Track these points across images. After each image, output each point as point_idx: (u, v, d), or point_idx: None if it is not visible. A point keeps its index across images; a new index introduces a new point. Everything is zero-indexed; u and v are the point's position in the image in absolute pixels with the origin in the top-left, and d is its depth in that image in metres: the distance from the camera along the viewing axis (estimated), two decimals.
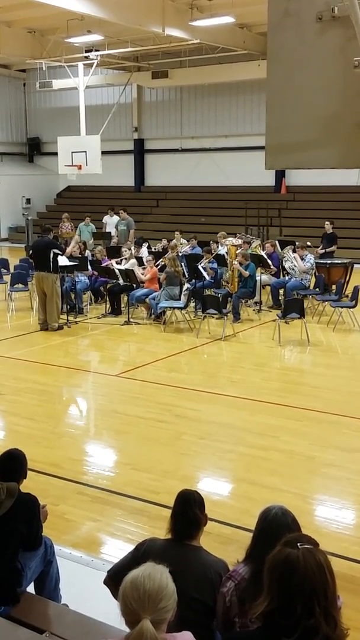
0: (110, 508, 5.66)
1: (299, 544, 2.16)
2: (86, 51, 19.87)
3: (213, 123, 25.51)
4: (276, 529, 2.79)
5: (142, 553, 3.28)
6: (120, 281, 12.95)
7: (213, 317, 12.09)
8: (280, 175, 23.84)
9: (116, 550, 4.87)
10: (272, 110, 4.65)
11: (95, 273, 13.80)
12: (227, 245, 14.29)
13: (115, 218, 19.49)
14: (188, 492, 3.43)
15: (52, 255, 11.77)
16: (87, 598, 4.18)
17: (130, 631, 2.18)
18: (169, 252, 13.91)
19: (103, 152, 20.31)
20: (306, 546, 2.15)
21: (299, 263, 13.02)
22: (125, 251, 13.92)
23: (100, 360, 10.94)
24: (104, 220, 19.90)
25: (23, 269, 14.50)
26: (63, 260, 12.32)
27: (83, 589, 4.40)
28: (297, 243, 13.70)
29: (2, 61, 25.85)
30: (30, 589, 3.96)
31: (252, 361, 10.26)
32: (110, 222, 19.67)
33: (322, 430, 7.37)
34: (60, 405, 8.69)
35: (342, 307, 12.16)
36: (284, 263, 13.68)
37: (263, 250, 14.15)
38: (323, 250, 15.00)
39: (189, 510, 3.32)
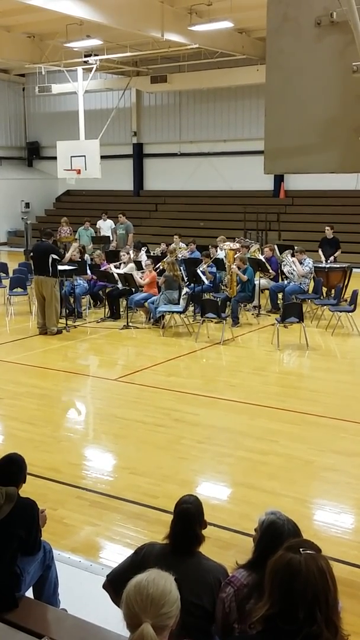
0: (109, 512, 5.65)
1: (301, 549, 2.15)
2: (85, 56, 19.93)
3: (212, 127, 25.57)
4: (278, 540, 2.77)
5: (141, 557, 3.28)
6: (119, 285, 12.96)
7: (212, 321, 12.09)
8: (279, 179, 23.89)
9: (115, 554, 4.86)
10: (271, 115, 4.65)
11: (94, 277, 13.81)
12: (225, 249, 14.32)
13: (109, 222, 19.55)
14: (187, 506, 3.35)
15: (51, 259, 11.78)
16: (86, 603, 4.17)
17: (131, 634, 2.18)
18: (168, 256, 13.92)
19: (102, 157, 20.34)
20: (308, 551, 2.15)
21: (298, 267, 13.03)
22: (124, 255, 13.93)
23: (99, 365, 10.93)
24: (98, 225, 19.93)
25: (22, 273, 14.52)
26: (62, 266, 12.34)
27: (82, 593, 4.39)
28: (295, 247, 13.71)
29: (1, 66, 25.94)
30: (29, 593, 3.95)
31: (250, 365, 10.26)
32: (104, 226, 19.74)
33: (321, 435, 7.37)
34: (59, 409, 8.68)
35: (340, 312, 12.17)
36: (282, 267, 13.69)
37: (262, 254, 14.17)
38: (333, 258, 14.95)
39: (188, 530, 3.30)
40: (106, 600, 3.32)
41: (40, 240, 12.64)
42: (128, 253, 14.15)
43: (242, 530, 5.12)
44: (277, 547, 2.86)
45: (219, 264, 13.86)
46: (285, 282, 13.55)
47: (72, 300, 13.23)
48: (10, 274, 14.93)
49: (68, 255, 13.27)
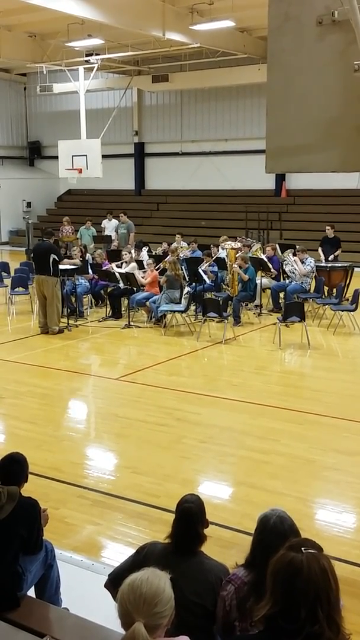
0: (111, 512, 5.65)
1: (303, 549, 2.15)
2: (87, 55, 19.93)
3: (213, 127, 25.56)
4: (275, 540, 2.78)
5: (143, 557, 3.28)
6: (121, 284, 12.97)
7: (213, 320, 12.09)
8: (280, 178, 23.89)
9: (117, 554, 4.86)
10: (273, 114, 4.65)
11: (96, 276, 13.82)
12: (226, 248, 14.31)
13: (114, 222, 19.57)
14: (189, 506, 3.35)
15: (51, 259, 11.78)
16: (88, 602, 4.17)
17: (125, 633, 2.18)
18: (170, 255, 13.92)
19: (103, 156, 20.35)
20: (310, 551, 2.14)
21: (299, 266, 13.02)
22: (126, 254, 13.93)
23: (100, 364, 10.93)
24: (102, 225, 19.96)
25: (24, 272, 14.52)
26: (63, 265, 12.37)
27: (83, 592, 4.39)
28: (297, 246, 13.71)
29: (2, 65, 25.90)
30: (31, 592, 3.95)
31: (252, 364, 10.26)
32: (109, 226, 19.76)
33: (322, 434, 7.36)
34: (61, 408, 8.68)
35: (342, 311, 12.17)
36: (284, 266, 13.69)
37: (263, 253, 14.16)
38: (332, 257, 14.96)
39: (190, 529, 3.30)
40: (108, 599, 3.32)
41: (42, 240, 12.64)
42: (129, 252, 14.16)
43: (243, 530, 5.11)
44: (265, 539, 2.88)
45: (221, 263, 13.86)
46: (287, 281, 13.54)
47: (73, 299, 13.23)
48: (12, 274, 14.93)
49: (68, 261, 13.22)
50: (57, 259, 11.98)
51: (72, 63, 20.63)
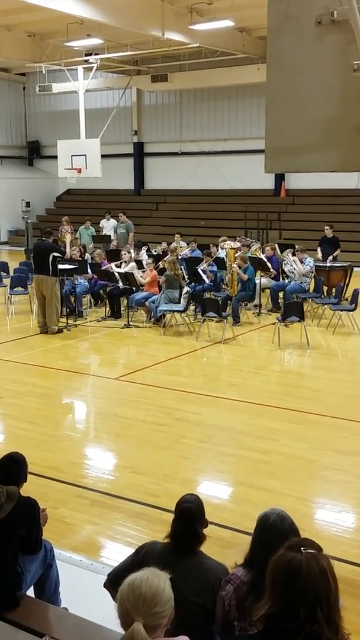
0: (110, 511, 5.65)
1: (302, 548, 2.15)
2: (86, 55, 19.92)
3: (213, 126, 25.57)
4: (274, 539, 2.78)
5: (142, 556, 3.28)
6: (120, 284, 12.96)
7: (213, 320, 12.09)
8: (279, 178, 23.90)
9: (116, 553, 4.87)
10: (272, 114, 4.65)
11: (95, 276, 13.82)
12: (226, 248, 14.32)
13: (112, 221, 19.58)
14: (188, 505, 3.35)
15: (51, 258, 11.78)
16: (87, 602, 4.17)
17: (124, 633, 2.18)
18: (169, 255, 13.93)
19: (103, 156, 20.34)
20: (309, 551, 2.14)
21: (299, 266, 13.03)
22: (125, 254, 13.92)
23: (99, 364, 10.93)
24: (101, 224, 19.96)
25: (23, 272, 14.52)
26: (64, 263, 12.37)
27: (83, 592, 4.39)
28: (296, 246, 13.71)
29: (2, 65, 25.90)
30: (30, 592, 3.95)
31: (251, 364, 10.27)
32: (107, 225, 19.77)
33: (322, 434, 7.37)
34: (60, 408, 8.68)
35: (341, 310, 12.17)
36: (283, 266, 13.69)
37: (263, 253, 14.16)
38: (331, 256, 14.94)
39: (189, 529, 3.30)
40: (107, 599, 3.32)
41: (41, 239, 12.64)
42: (129, 252, 14.15)
43: (243, 530, 5.11)
44: (265, 538, 2.89)
45: (220, 262, 13.86)
46: (286, 281, 13.54)
47: (72, 299, 13.23)
48: (11, 273, 14.94)
49: (68, 250, 13.28)
50: (60, 256, 11.99)
51: (71, 63, 20.62)
